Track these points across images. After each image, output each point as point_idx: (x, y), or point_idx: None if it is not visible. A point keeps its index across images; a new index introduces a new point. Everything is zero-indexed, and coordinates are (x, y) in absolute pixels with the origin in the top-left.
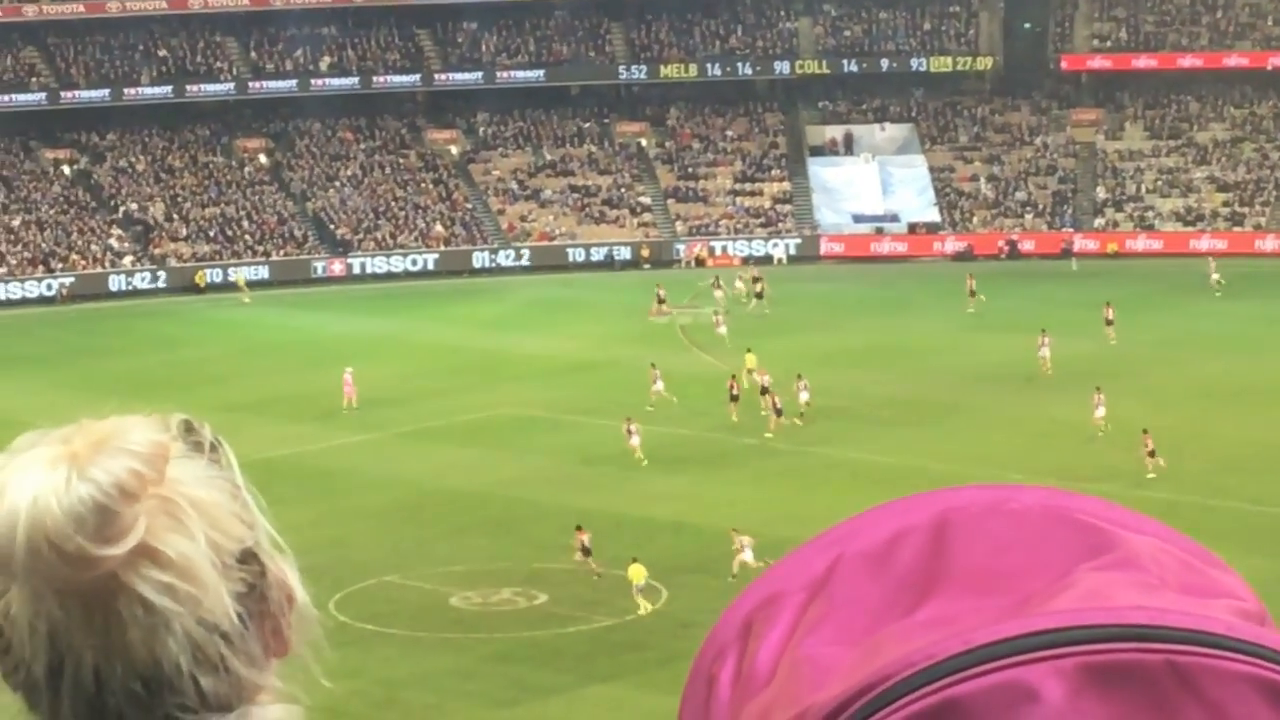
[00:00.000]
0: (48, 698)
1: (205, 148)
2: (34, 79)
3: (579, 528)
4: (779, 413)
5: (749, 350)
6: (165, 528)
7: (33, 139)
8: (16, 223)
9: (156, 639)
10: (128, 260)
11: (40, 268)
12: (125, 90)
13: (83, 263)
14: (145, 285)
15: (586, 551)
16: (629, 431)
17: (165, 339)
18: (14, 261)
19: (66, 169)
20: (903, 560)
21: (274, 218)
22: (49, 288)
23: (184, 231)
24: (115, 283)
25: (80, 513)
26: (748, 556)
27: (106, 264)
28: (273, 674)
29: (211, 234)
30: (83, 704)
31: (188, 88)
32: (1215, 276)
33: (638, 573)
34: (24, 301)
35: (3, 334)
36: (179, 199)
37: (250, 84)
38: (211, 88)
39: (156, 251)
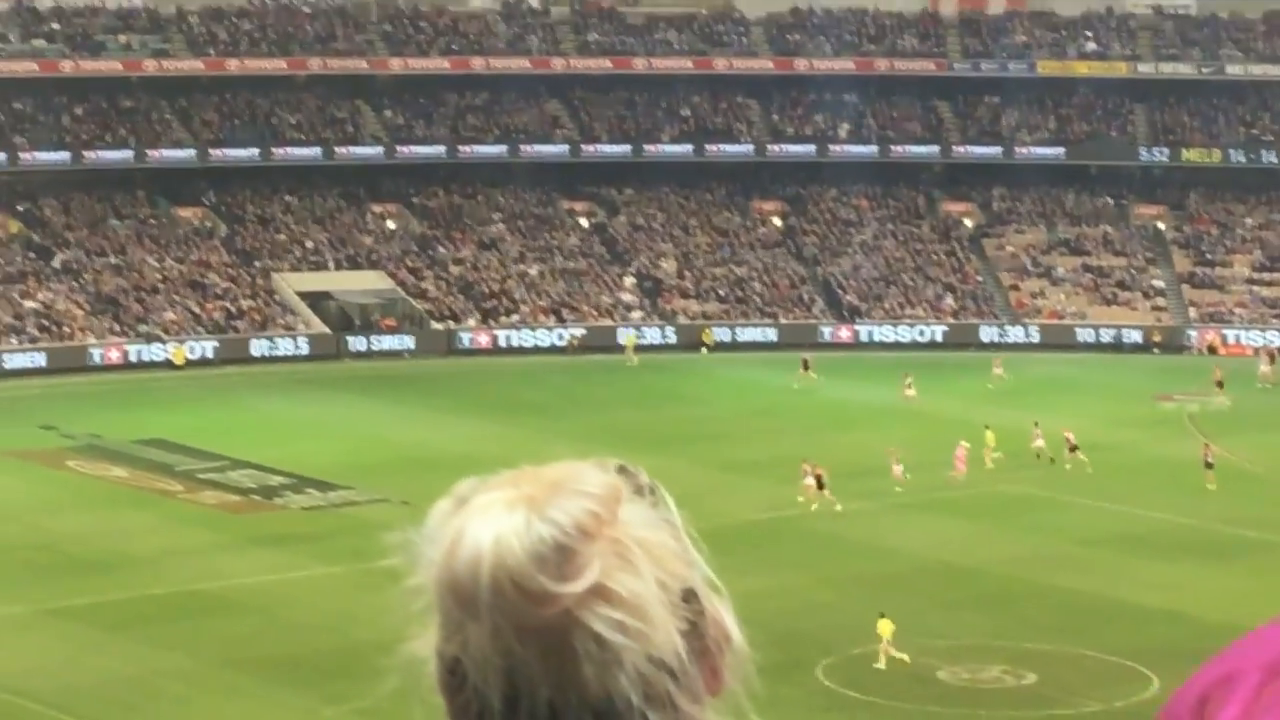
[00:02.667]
0: None
1: (720, 208)
2: (558, 131)
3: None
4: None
5: (987, 427)
6: (617, 567)
7: (553, 190)
8: (534, 271)
9: (609, 674)
10: (637, 315)
11: (553, 317)
12: (646, 147)
13: (593, 314)
14: (654, 340)
15: (822, 483)
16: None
17: (670, 394)
18: (528, 309)
19: (584, 221)
20: None
21: (785, 281)
22: (560, 337)
23: (694, 289)
24: (623, 336)
25: (541, 552)
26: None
27: (616, 317)
28: (711, 711)
29: (721, 293)
30: None
31: (707, 147)
32: None
33: (886, 628)
34: (535, 349)
35: (514, 380)
36: (691, 257)
37: (769, 147)
38: (731, 148)
39: (666, 308)
